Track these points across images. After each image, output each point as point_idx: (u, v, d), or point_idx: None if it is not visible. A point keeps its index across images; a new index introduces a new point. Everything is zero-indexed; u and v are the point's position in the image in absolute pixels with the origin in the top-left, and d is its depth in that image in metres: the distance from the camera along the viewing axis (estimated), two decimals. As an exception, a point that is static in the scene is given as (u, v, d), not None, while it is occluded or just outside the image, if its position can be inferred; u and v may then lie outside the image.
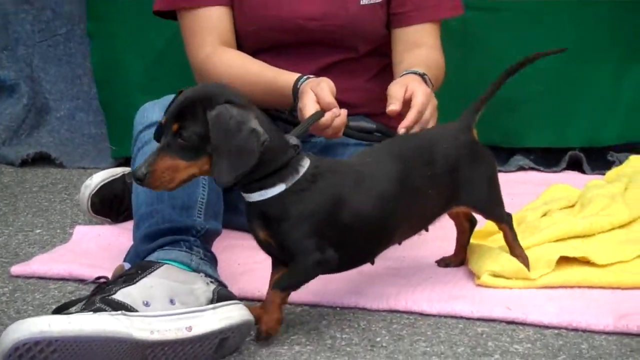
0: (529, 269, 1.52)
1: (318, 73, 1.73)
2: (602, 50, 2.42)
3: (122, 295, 1.19)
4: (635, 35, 2.40)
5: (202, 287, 1.25)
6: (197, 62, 1.78)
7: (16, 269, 1.74)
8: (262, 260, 1.73)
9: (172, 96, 1.69)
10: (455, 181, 1.46)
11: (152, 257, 1.35)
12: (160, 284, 1.21)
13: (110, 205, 2.04)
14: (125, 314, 1.12)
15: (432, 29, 1.85)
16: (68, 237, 1.99)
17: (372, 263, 1.45)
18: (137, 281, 1.22)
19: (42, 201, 2.38)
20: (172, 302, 1.20)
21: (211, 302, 1.23)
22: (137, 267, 1.27)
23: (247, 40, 1.81)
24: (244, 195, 1.32)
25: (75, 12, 3.06)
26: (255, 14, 1.79)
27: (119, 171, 2.08)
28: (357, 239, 1.37)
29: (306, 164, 1.32)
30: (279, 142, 1.30)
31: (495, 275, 1.53)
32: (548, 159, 2.50)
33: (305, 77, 1.63)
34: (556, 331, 1.38)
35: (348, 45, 1.83)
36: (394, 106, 1.54)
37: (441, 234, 1.65)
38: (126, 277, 1.24)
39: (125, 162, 2.79)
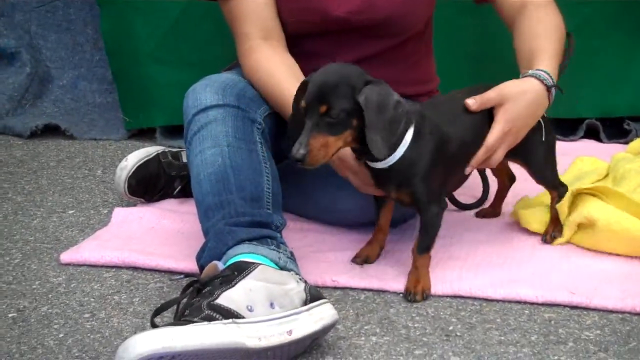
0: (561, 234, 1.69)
1: (359, 61, 1.72)
2: (614, 22, 2.44)
3: (226, 300, 1.19)
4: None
5: (295, 288, 1.26)
6: (239, 53, 1.73)
7: (66, 257, 1.73)
8: (312, 243, 1.77)
9: (217, 76, 1.69)
10: None
11: (240, 252, 1.35)
12: (259, 287, 1.22)
13: (146, 185, 2.03)
14: (235, 322, 1.14)
15: None
16: (105, 219, 1.98)
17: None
18: (235, 284, 1.22)
19: (65, 178, 2.35)
20: (272, 305, 1.21)
21: (305, 302, 1.25)
22: (232, 267, 1.28)
23: (288, 27, 1.76)
24: (371, 164, 1.46)
25: (73, -22, 2.99)
26: (296, 6, 1.73)
27: (152, 151, 2.06)
28: (458, 165, 1.55)
29: (413, 120, 1.45)
30: None
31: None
32: (564, 128, 2.53)
33: None
34: (621, 316, 1.43)
35: (393, 33, 1.78)
36: (472, 102, 1.53)
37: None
38: (223, 279, 1.24)
39: (140, 133, 2.76)
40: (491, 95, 1.54)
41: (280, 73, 1.65)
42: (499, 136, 1.53)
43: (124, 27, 2.63)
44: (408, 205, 1.55)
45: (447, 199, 1.66)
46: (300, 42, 1.78)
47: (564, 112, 2.48)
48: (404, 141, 1.45)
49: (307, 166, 1.35)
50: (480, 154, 1.54)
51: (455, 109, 1.55)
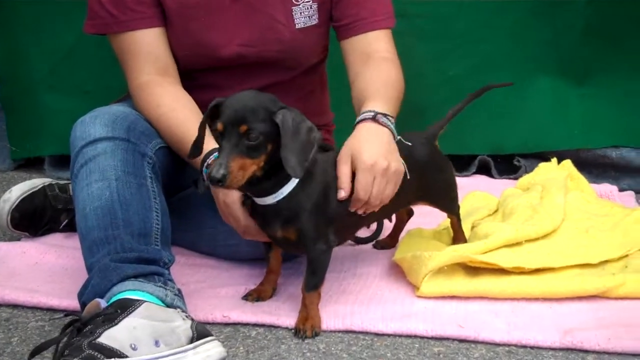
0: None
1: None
2: (507, 60, 2.52)
3: (108, 339, 1.14)
4: (538, 47, 2.51)
5: (182, 325, 1.22)
6: (132, 86, 1.69)
7: (-60, 295, 1.63)
8: (204, 278, 1.74)
9: (107, 108, 1.65)
10: (423, 183, 1.69)
11: (125, 289, 1.31)
12: (144, 324, 1.18)
13: (31, 219, 1.94)
14: (117, 361, 1.09)
15: (380, 35, 1.76)
16: (-15, 254, 1.88)
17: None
18: (118, 322, 1.18)
19: (-56, 210, 2.22)
20: (157, 343, 1.17)
21: (191, 340, 1.22)
22: (116, 305, 1.23)
23: (181, 62, 1.74)
24: (258, 200, 1.47)
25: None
26: (187, 41, 1.71)
27: (38, 183, 1.98)
28: (343, 221, 1.54)
29: None
30: None
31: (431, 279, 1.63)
32: (458, 164, 2.59)
33: (211, 154, 1.52)
34: (507, 348, 1.46)
35: (288, 66, 1.78)
36: (342, 192, 1.50)
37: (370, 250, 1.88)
38: (105, 317, 1.19)
39: (27, 164, 2.66)
40: (343, 166, 1.52)
41: (183, 111, 1.63)
42: (365, 181, 1.50)
43: (18, 52, 2.54)
44: (294, 248, 1.56)
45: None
46: (194, 76, 1.76)
47: (457, 148, 2.53)
48: (292, 179, 1.45)
49: (227, 187, 1.35)
50: (355, 204, 1.52)
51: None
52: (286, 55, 1.75)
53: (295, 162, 1.38)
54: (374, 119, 1.55)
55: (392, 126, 1.58)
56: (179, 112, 1.63)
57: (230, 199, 1.53)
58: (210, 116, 1.42)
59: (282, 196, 1.46)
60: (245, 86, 1.71)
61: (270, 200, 1.46)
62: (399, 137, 1.59)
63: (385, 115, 1.56)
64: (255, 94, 1.42)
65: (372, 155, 1.50)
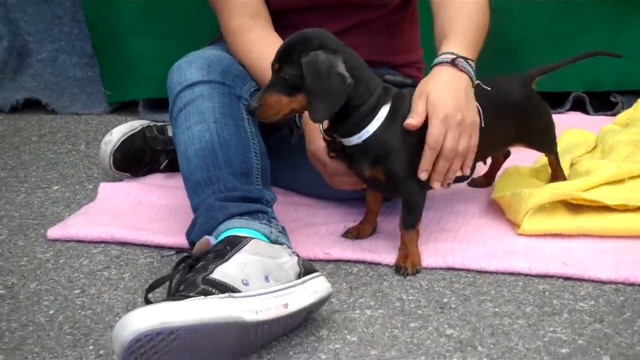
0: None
1: (344, 32, 1.69)
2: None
3: (221, 274, 1.17)
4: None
5: (289, 261, 1.25)
6: (225, 31, 1.70)
7: (53, 233, 1.70)
8: (303, 217, 1.76)
9: (201, 51, 1.66)
10: (521, 126, 1.68)
11: (231, 227, 1.33)
12: (253, 260, 1.20)
13: (131, 160, 2.00)
14: (232, 296, 1.12)
15: None
16: (90, 194, 1.95)
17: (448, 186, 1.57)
18: (229, 258, 1.20)
19: (47, 153, 2.31)
20: (267, 279, 1.20)
21: (298, 275, 1.24)
22: (225, 242, 1.26)
23: (272, 3, 1.73)
24: (344, 140, 1.47)
25: (50, -51, 2.92)
26: None
27: (137, 125, 2.03)
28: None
29: (389, 98, 1.46)
30: (368, 84, 1.44)
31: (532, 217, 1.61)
32: (551, 101, 2.53)
33: None
34: (614, 286, 1.43)
35: (376, 4, 1.76)
36: (412, 120, 1.43)
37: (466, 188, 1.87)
38: (215, 254, 1.22)
39: (122, 107, 2.73)
40: (418, 101, 1.45)
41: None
42: (437, 131, 1.43)
43: (105, -2, 2.58)
44: (387, 189, 1.54)
45: None
46: (285, 16, 1.76)
47: (551, 85, 2.47)
48: (377, 117, 1.44)
49: (260, 119, 1.41)
50: (427, 157, 1.44)
51: None
52: None
53: (317, 107, 1.38)
54: (452, 63, 1.47)
55: (472, 71, 1.50)
56: (269, 58, 1.63)
57: (314, 145, 1.54)
58: None
59: (367, 135, 1.45)
60: (336, 26, 1.71)
61: (356, 140, 1.45)
62: (477, 82, 1.52)
63: (465, 59, 1.49)
64: (305, 33, 1.41)
65: (446, 105, 1.43)
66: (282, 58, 1.40)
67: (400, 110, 1.46)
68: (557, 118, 2.39)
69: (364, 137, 1.45)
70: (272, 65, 1.41)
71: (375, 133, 1.45)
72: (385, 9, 1.79)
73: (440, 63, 1.49)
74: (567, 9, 2.44)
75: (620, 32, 2.46)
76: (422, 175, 1.46)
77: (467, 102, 1.47)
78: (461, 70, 1.48)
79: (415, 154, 1.46)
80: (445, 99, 1.44)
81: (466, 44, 1.53)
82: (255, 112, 1.39)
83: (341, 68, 1.38)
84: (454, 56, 1.49)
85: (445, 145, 1.44)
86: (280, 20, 1.74)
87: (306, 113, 1.47)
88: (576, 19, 2.46)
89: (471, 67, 1.50)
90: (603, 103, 2.52)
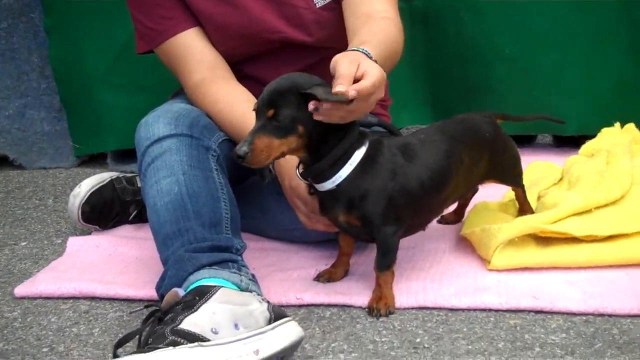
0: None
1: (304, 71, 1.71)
2: (577, 33, 2.46)
3: (190, 324, 1.17)
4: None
5: (258, 307, 1.24)
6: (189, 88, 1.72)
7: (20, 291, 1.68)
8: (274, 262, 1.75)
9: (169, 105, 1.68)
10: (491, 162, 1.69)
11: (201, 277, 1.33)
12: (222, 309, 1.20)
13: (100, 212, 1.99)
14: (201, 345, 1.12)
15: None
16: (59, 249, 1.93)
17: (424, 229, 1.64)
18: (197, 308, 1.20)
19: (15, 209, 2.29)
20: (236, 326, 1.19)
21: (269, 321, 1.23)
22: (194, 292, 1.25)
23: (224, 56, 1.75)
24: (318, 186, 1.46)
25: (15, 6, 2.91)
26: (221, 36, 1.72)
27: (106, 177, 2.02)
28: (418, 207, 1.54)
29: (365, 142, 1.46)
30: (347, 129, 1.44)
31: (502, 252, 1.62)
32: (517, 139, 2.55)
33: None
34: (584, 318, 1.44)
35: (325, 45, 1.75)
36: (341, 87, 1.30)
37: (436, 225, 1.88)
38: (184, 305, 1.22)
39: (90, 160, 2.72)
40: (347, 63, 1.35)
41: (240, 105, 1.64)
42: (379, 76, 1.35)
43: (73, 52, 2.59)
44: (359, 234, 1.53)
45: None
46: (238, 68, 1.78)
47: (519, 128, 2.47)
48: (350, 160, 1.44)
49: (249, 164, 1.36)
50: (367, 84, 1.32)
51: (425, 151, 1.55)
52: (316, 37, 1.73)
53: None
54: (365, 53, 1.41)
55: None
56: (237, 107, 1.65)
57: (295, 182, 1.54)
58: None
59: (340, 179, 1.45)
60: (289, 69, 1.72)
61: (330, 184, 1.45)
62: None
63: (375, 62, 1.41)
64: (291, 75, 1.41)
65: (382, 74, 1.36)
66: (275, 102, 1.37)
67: (376, 156, 1.46)
68: (523, 152, 2.45)
69: (337, 182, 1.45)
70: (259, 110, 1.38)
71: (347, 178, 1.45)
72: (333, 50, 1.79)
73: (361, 51, 1.41)
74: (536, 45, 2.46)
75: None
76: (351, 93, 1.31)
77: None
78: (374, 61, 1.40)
79: (390, 199, 1.47)
80: (380, 72, 1.36)
81: (376, 54, 1.44)
82: (246, 157, 1.34)
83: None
84: (365, 51, 1.41)
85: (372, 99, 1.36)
86: (235, 72, 1.76)
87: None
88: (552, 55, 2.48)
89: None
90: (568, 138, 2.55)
